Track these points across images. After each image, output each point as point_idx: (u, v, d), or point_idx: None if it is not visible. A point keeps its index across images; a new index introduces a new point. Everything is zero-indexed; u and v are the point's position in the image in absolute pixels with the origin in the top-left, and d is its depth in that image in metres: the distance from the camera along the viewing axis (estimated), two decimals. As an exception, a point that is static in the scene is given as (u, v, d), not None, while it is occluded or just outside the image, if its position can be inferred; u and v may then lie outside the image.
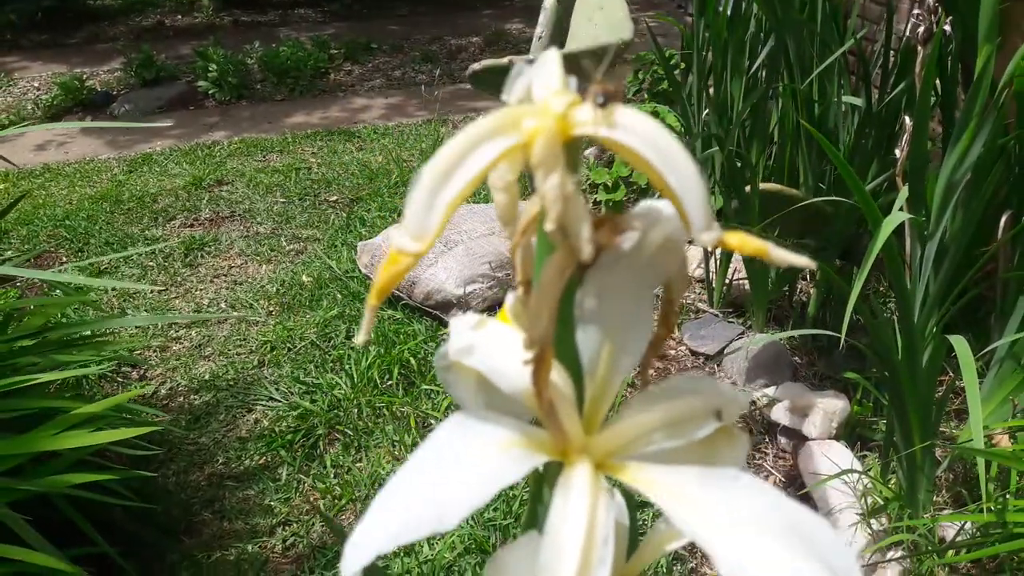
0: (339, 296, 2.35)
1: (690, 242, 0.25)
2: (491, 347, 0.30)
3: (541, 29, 0.79)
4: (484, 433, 0.27)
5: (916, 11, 1.47)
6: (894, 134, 1.95)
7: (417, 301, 2.17)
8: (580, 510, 0.27)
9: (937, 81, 1.67)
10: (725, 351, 2.08)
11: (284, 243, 2.73)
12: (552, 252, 0.26)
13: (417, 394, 1.88)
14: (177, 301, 2.43)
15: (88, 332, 1.59)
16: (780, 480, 1.75)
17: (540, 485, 0.34)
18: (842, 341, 1.36)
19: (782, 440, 1.83)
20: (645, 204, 0.27)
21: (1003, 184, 1.57)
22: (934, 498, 1.54)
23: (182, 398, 2.01)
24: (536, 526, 0.32)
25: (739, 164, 2.06)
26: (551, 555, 0.26)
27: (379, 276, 0.24)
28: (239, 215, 2.98)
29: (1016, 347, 1.48)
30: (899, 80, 1.85)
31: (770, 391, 1.94)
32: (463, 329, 0.30)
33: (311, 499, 1.70)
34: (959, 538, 1.43)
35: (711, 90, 2.25)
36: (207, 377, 2.06)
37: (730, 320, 2.18)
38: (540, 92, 0.25)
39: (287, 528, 1.65)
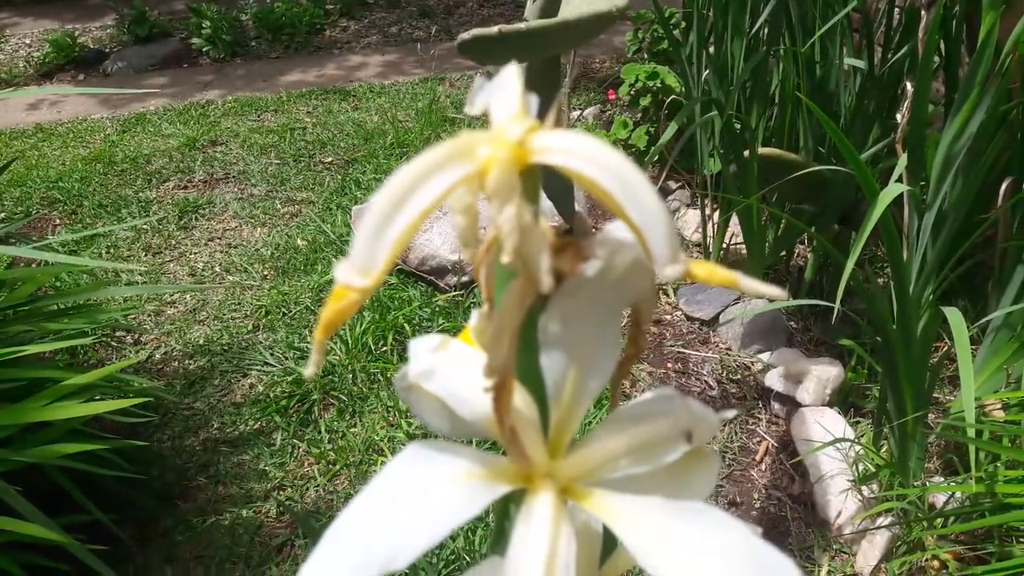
0: (334, 260, 2.33)
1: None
2: (452, 371, 0.29)
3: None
4: (440, 465, 0.26)
5: (920, -28, 1.44)
6: (896, 97, 1.92)
7: (412, 266, 2.16)
8: (541, 540, 0.26)
9: (941, 42, 1.64)
10: (721, 316, 2.07)
11: (279, 206, 2.71)
12: (512, 278, 0.25)
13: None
14: (171, 265, 2.42)
15: (81, 301, 1.58)
16: (773, 445, 1.76)
17: (507, 503, 0.33)
18: (835, 310, 1.35)
19: (775, 406, 1.83)
20: (610, 228, 0.26)
21: (1005, 151, 1.55)
22: (925, 465, 1.55)
23: (176, 363, 2.01)
24: (501, 546, 0.31)
25: (738, 128, 2.03)
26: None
27: (325, 312, 0.23)
28: (233, 177, 2.95)
29: (1012, 317, 1.48)
30: (903, 42, 1.81)
31: (765, 357, 1.94)
32: (423, 351, 0.29)
33: (306, 464, 1.71)
34: (949, 506, 1.44)
35: (711, 50, 2.20)
36: (201, 342, 2.06)
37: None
38: (498, 114, 0.24)
39: (282, 492, 1.66)
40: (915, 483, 1.48)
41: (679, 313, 2.12)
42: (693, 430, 0.29)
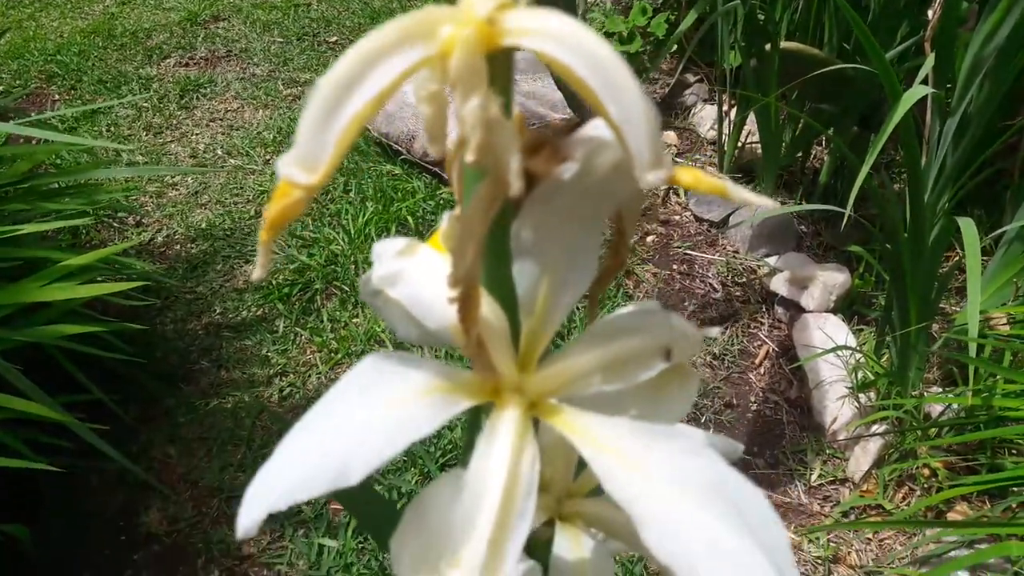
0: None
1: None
2: (418, 277, 0.26)
3: None
4: (401, 377, 0.24)
5: None
6: (929, -8, 1.82)
7: (416, 156, 2.11)
8: (502, 461, 0.25)
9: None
10: (730, 218, 2.04)
11: (281, 87, 2.64)
12: (480, 179, 0.22)
13: (414, 252, 1.86)
14: (173, 145, 2.37)
15: (81, 180, 1.55)
16: (773, 350, 1.76)
17: (478, 412, 0.32)
18: (846, 216, 1.32)
19: (779, 310, 1.82)
20: (591, 125, 0.23)
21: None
22: (925, 375, 1.55)
23: (179, 246, 2.00)
24: (467, 459, 0.30)
25: (762, 19, 1.94)
26: (469, 507, 0.24)
27: (269, 210, 0.21)
28: (235, 55, 2.86)
29: (1027, 229, 1.44)
30: (942, -69, 1.70)
31: (772, 261, 1.91)
32: (388, 255, 0.27)
33: (308, 352, 1.72)
34: (944, 417, 1.44)
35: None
36: (204, 226, 2.04)
37: (739, 185, 2.12)
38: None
39: (284, 379, 1.68)
40: (913, 393, 1.48)
41: (688, 214, 2.09)
42: (672, 347, 0.27)
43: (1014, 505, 1.27)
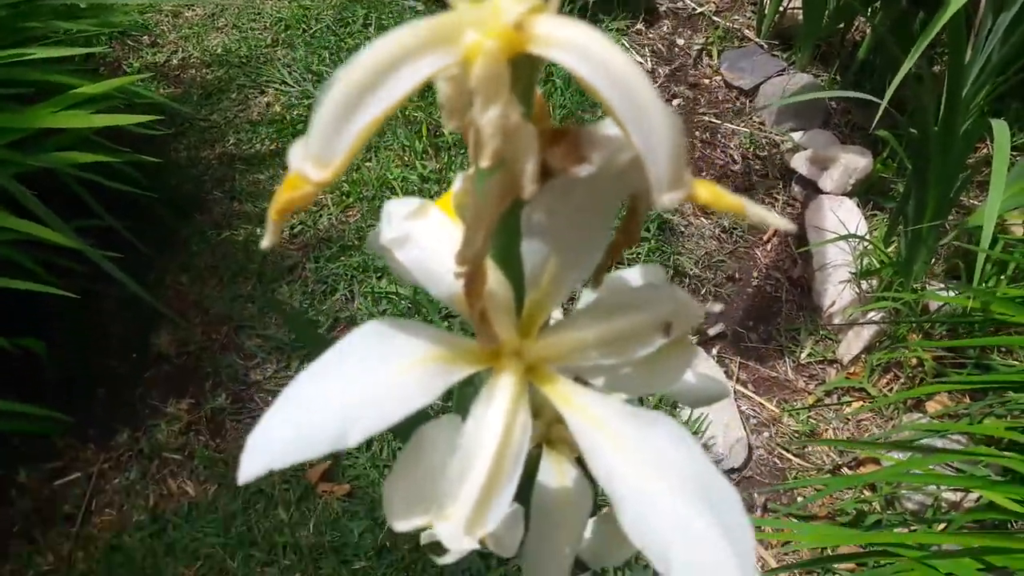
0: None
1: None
2: (425, 243, 0.27)
3: None
4: (402, 344, 0.25)
5: None
6: None
7: (442, -8, 2.02)
8: (495, 427, 0.26)
9: None
10: (761, 86, 1.97)
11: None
12: (494, 172, 0.22)
13: (432, 99, 1.82)
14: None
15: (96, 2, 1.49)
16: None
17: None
18: (880, 108, 1.28)
19: (796, 189, 1.81)
20: (610, 121, 0.23)
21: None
22: (930, 267, 1.56)
23: (194, 71, 1.95)
24: (462, 406, 0.31)
25: None
26: (461, 466, 0.26)
27: (278, 196, 0.21)
28: None
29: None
30: None
31: (797, 136, 1.87)
32: (398, 216, 0.27)
33: (320, 191, 1.73)
34: (942, 312, 1.46)
35: None
36: (219, 51, 1.99)
37: (774, 53, 2.04)
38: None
39: (295, 216, 1.69)
40: (915, 286, 1.50)
41: (719, 79, 2.02)
42: (673, 322, 0.28)
43: (993, 405, 1.31)
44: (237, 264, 1.62)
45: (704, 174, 1.84)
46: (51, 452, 1.37)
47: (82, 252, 1.21)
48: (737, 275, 1.69)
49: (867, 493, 1.35)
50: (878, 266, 1.56)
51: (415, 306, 1.50)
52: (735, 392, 1.51)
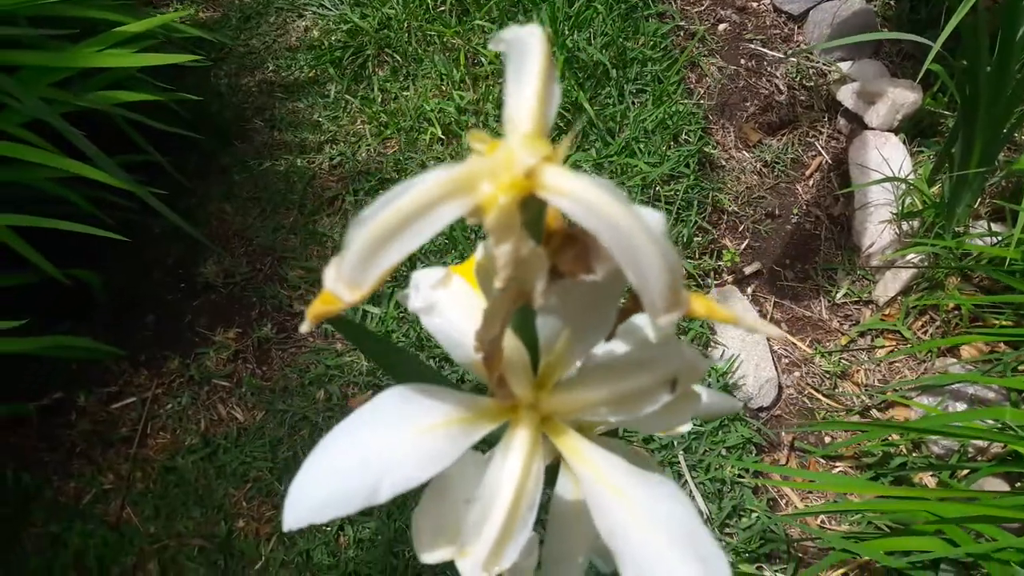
0: None
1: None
2: (448, 314, 0.29)
3: None
4: (427, 410, 0.27)
5: None
6: None
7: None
8: (512, 478, 0.28)
9: None
10: (811, 11, 1.90)
11: None
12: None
13: (470, 26, 1.79)
14: None
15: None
16: (827, 162, 1.73)
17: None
18: (936, 47, 1.24)
19: (841, 122, 1.76)
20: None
21: None
22: (974, 209, 1.53)
23: (232, -7, 1.94)
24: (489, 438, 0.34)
25: None
26: (480, 512, 0.29)
27: (313, 306, 0.23)
28: None
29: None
30: None
31: (845, 66, 1.82)
32: (425, 285, 0.29)
33: (358, 122, 1.73)
34: (982, 260, 1.44)
35: None
36: (257, -27, 1.97)
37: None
38: (512, 114, 0.21)
39: (334, 147, 1.71)
40: (957, 228, 1.47)
41: (767, 3, 1.95)
42: (679, 378, 0.30)
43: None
44: (279, 195, 1.66)
45: (748, 104, 1.80)
46: (107, 377, 1.45)
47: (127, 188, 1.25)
48: (777, 211, 1.68)
49: (894, 436, 1.37)
50: (920, 207, 1.53)
51: (451, 241, 1.53)
52: (767, 332, 1.52)
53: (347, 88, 1.77)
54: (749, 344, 1.46)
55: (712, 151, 1.70)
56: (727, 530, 1.30)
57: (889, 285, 1.52)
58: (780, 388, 1.46)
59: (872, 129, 1.68)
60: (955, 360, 1.44)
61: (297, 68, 1.81)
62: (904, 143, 1.64)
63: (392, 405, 0.27)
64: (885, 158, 1.60)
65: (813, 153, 1.75)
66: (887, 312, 1.52)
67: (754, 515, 1.31)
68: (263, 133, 1.74)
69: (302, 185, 1.66)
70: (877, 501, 1.03)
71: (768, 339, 1.49)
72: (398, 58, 1.78)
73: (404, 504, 1.30)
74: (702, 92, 1.81)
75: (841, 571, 1.24)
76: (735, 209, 1.65)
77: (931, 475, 1.32)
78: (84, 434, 1.40)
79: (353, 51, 1.80)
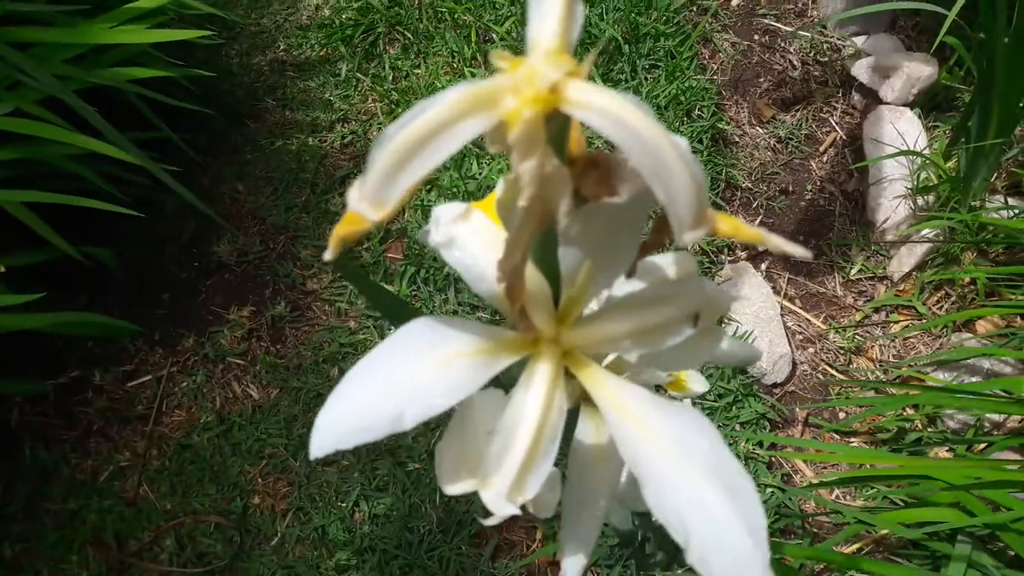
0: None
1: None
2: (470, 248, 0.29)
3: None
4: (450, 339, 0.27)
5: None
6: None
7: None
8: (534, 411, 0.28)
9: None
10: (824, -15, 1.88)
11: None
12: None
13: (481, 2, 1.78)
14: None
15: None
16: (841, 138, 1.72)
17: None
18: (951, 16, 1.22)
19: (856, 97, 1.75)
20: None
21: None
22: (991, 182, 1.51)
23: (242, -28, 1.94)
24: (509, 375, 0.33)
25: None
26: (502, 443, 0.29)
27: (338, 228, 0.23)
28: None
29: None
30: None
31: (860, 41, 1.80)
32: (445, 220, 0.29)
33: (369, 100, 1.73)
34: (999, 234, 1.43)
35: None
36: (266, -50, 1.96)
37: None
38: (534, 36, 0.21)
39: (346, 126, 1.71)
40: (973, 203, 1.46)
41: (779, -23, 1.93)
42: (701, 313, 0.29)
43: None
44: (291, 174, 1.66)
45: (761, 79, 1.79)
46: (123, 355, 1.46)
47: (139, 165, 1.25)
48: (791, 188, 1.67)
49: (909, 411, 1.37)
50: (936, 182, 1.52)
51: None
52: (782, 308, 1.52)
53: (358, 66, 1.76)
54: (763, 321, 1.46)
55: (725, 127, 1.69)
56: (741, 504, 1.30)
57: (904, 260, 1.52)
58: (794, 364, 1.45)
59: (887, 104, 1.67)
60: (971, 335, 1.43)
61: (308, 47, 1.81)
62: (920, 117, 1.63)
63: (417, 335, 0.27)
64: (900, 132, 1.58)
65: (827, 129, 1.74)
66: (902, 288, 1.52)
67: (769, 490, 1.31)
68: (275, 112, 1.74)
69: (314, 164, 1.66)
70: (893, 470, 1.03)
71: (782, 315, 1.49)
72: (409, 36, 1.78)
73: (419, 479, 1.31)
74: (715, 68, 1.79)
75: (856, 546, 1.24)
76: (749, 185, 1.64)
77: (947, 449, 1.32)
78: (101, 412, 1.41)
79: (364, 29, 1.80)
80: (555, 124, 0.21)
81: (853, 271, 1.55)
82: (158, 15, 1.25)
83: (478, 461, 0.30)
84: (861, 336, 1.49)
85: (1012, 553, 0.92)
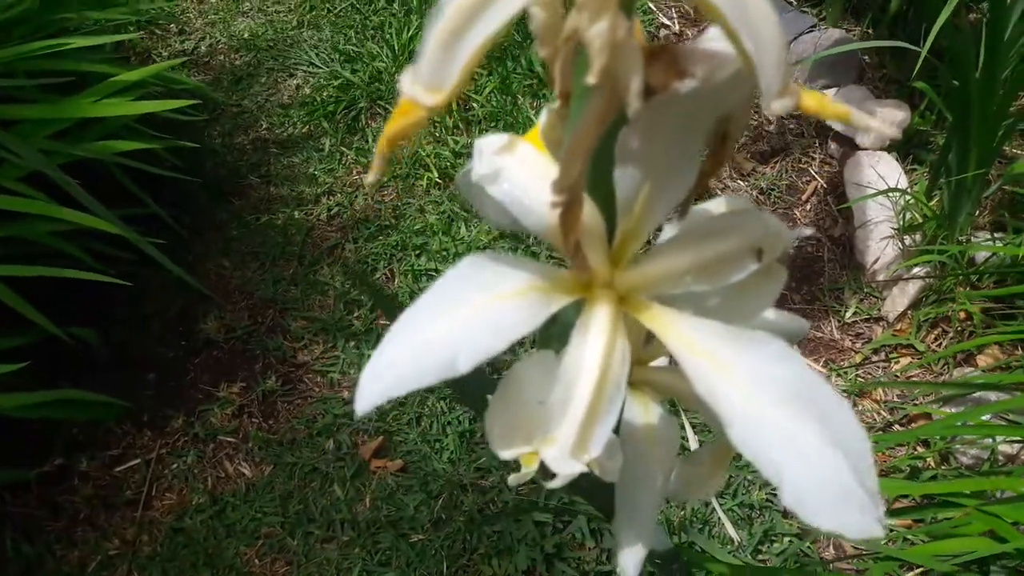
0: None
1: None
2: (517, 178, 0.27)
3: None
4: (501, 277, 0.25)
5: None
6: None
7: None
8: (596, 356, 0.26)
9: None
10: (792, 44, 1.94)
11: None
12: (593, 94, 0.22)
13: (461, 72, 1.81)
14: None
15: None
16: (822, 186, 1.74)
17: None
18: (921, 56, 1.26)
19: (832, 146, 1.78)
20: (708, 36, 0.23)
21: None
22: (975, 219, 1.53)
23: (223, 56, 1.97)
24: (551, 342, 0.31)
25: None
26: (563, 394, 0.26)
27: (390, 125, 0.21)
28: None
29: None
30: None
31: (831, 93, 1.84)
32: (488, 152, 0.27)
33: (354, 172, 1.74)
34: (989, 263, 1.44)
35: None
36: (246, 35, 2.00)
37: (803, 9, 2.01)
38: None
39: (331, 198, 1.71)
40: (960, 238, 1.47)
41: (746, 38, 1.99)
42: (764, 248, 0.28)
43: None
44: (277, 247, 1.64)
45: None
46: (109, 440, 1.41)
47: (127, 239, 1.23)
48: (776, 236, 1.67)
49: (920, 449, 1.34)
50: (921, 220, 1.53)
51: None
52: (780, 353, 1.50)
53: (341, 140, 1.78)
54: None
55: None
56: (760, 556, 1.25)
57: (897, 300, 1.51)
58: (799, 409, 1.43)
59: (864, 150, 1.70)
60: (972, 368, 1.41)
61: (291, 124, 1.83)
62: (898, 160, 1.66)
63: (467, 274, 0.25)
64: (880, 175, 1.60)
65: (807, 178, 1.76)
66: (898, 327, 1.51)
67: (786, 539, 1.26)
68: (259, 189, 1.74)
69: (301, 237, 1.65)
70: (913, 507, 1.00)
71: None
72: (390, 108, 1.80)
73: (424, 552, 1.25)
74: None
75: (882, 591, 1.19)
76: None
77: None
78: (87, 499, 1.34)
79: (346, 105, 1.82)
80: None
81: (848, 314, 1.55)
82: (141, 88, 1.25)
83: (531, 427, 0.27)
84: (863, 378, 1.47)
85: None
